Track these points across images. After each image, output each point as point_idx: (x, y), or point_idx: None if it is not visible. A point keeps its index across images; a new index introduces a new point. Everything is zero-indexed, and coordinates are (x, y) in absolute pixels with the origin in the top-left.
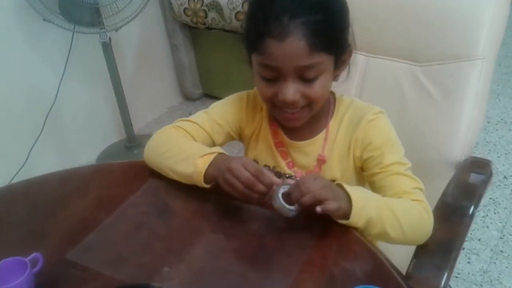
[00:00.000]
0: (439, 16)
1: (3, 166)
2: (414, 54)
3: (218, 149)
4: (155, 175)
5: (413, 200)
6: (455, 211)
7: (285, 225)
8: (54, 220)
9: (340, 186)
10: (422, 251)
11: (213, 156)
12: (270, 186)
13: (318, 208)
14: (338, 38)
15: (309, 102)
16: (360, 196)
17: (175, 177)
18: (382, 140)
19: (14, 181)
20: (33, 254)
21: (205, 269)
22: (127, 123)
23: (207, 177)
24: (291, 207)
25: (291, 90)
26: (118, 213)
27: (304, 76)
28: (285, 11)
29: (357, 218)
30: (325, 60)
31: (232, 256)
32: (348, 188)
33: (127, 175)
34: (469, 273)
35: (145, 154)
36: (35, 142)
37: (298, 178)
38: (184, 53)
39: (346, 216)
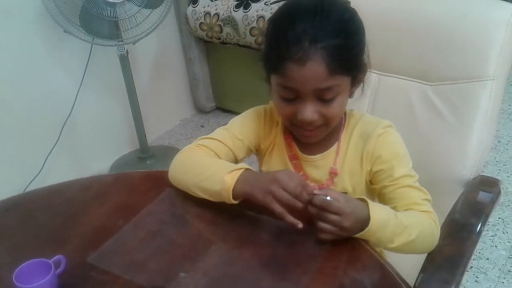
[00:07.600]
0: (450, 37)
1: (20, 173)
2: (426, 73)
3: (244, 165)
4: (172, 185)
5: (423, 211)
6: (463, 228)
7: (296, 236)
8: (75, 225)
9: (364, 201)
10: (429, 265)
11: (240, 172)
12: (311, 194)
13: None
14: (355, 60)
15: (326, 121)
16: (379, 220)
17: (202, 195)
18: (392, 153)
19: (29, 188)
20: (56, 256)
21: (219, 276)
22: (141, 134)
23: (235, 193)
24: None
25: (310, 111)
26: (136, 221)
27: (322, 97)
28: (306, 35)
29: (367, 237)
30: (343, 81)
31: (245, 264)
32: (372, 209)
33: (145, 184)
34: None
35: (170, 174)
36: (51, 151)
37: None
38: (198, 67)
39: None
